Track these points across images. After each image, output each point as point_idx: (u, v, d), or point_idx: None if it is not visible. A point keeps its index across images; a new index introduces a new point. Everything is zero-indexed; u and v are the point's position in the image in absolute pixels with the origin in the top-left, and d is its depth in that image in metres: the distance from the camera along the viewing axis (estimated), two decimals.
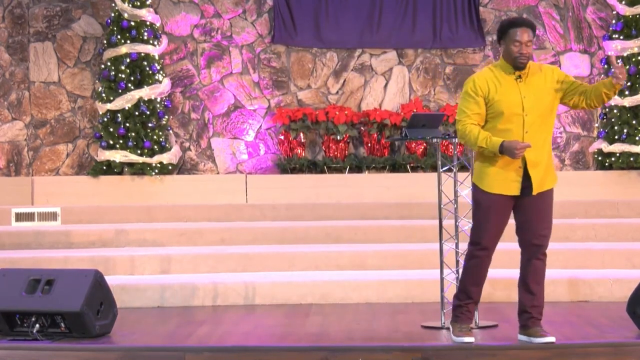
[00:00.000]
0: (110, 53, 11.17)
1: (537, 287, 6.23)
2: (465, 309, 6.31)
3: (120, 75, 11.08)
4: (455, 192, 7.12)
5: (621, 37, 11.19)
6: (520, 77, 6.18)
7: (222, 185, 11.20)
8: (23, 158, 11.61)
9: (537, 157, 6.14)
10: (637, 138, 11.00)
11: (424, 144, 11.41)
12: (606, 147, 11.13)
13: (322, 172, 11.40)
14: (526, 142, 6.05)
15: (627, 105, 11.07)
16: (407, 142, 11.25)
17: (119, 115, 11.06)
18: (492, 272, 8.41)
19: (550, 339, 6.09)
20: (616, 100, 11.09)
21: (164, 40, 11.44)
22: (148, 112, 11.10)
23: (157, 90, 11.17)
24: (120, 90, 11.07)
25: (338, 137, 11.38)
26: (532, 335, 6.15)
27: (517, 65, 6.13)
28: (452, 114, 11.32)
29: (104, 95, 11.11)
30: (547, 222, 6.21)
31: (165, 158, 11.11)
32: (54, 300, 6.54)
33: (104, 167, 11.10)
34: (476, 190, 6.24)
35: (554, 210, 10.34)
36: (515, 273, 8.53)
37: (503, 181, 6.16)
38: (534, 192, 6.15)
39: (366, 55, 11.77)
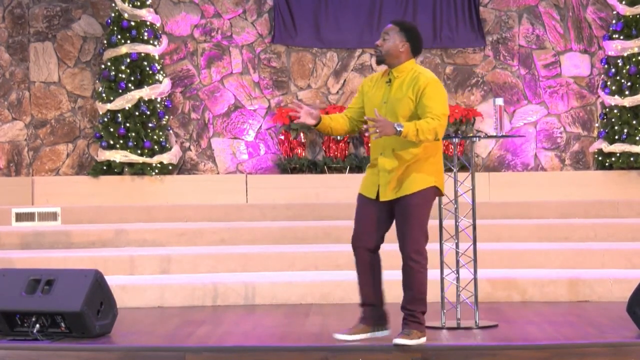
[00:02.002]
0: (110, 53, 11.17)
1: (405, 291, 6.27)
2: (361, 310, 6.33)
3: (120, 75, 11.09)
4: (456, 192, 7.13)
5: (621, 37, 11.19)
6: (390, 81, 6.21)
7: (222, 185, 11.20)
8: (23, 158, 11.61)
9: (389, 164, 6.15)
10: (637, 138, 10.99)
11: None
12: (606, 147, 11.13)
13: (322, 172, 11.40)
14: (381, 147, 6.14)
15: (628, 105, 11.07)
16: None
17: (119, 115, 11.07)
18: (492, 273, 8.47)
19: (399, 341, 6.08)
20: (616, 100, 11.09)
21: (164, 40, 11.45)
22: (148, 112, 11.10)
23: (157, 90, 11.18)
24: (120, 90, 11.07)
25: (338, 137, 11.38)
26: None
27: (376, 58, 6.26)
28: (452, 114, 11.32)
29: (104, 95, 11.12)
30: (403, 228, 6.18)
31: (165, 158, 11.11)
32: (54, 300, 6.54)
33: (104, 167, 11.11)
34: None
35: (552, 210, 10.45)
36: (514, 273, 8.57)
37: (368, 184, 6.28)
38: (380, 199, 6.19)
39: (366, 55, 11.77)
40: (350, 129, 6.38)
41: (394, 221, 6.25)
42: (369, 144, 6.36)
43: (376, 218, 6.22)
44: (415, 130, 5.94)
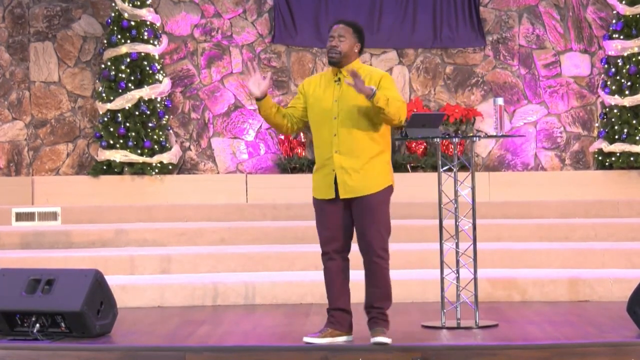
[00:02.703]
0: (110, 53, 11.17)
1: (372, 289, 6.26)
2: (329, 314, 6.33)
3: (120, 75, 11.09)
4: (456, 191, 7.13)
5: (621, 37, 11.19)
6: (339, 79, 6.25)
7: (222, 185, 11.20)
8: (23, 158, 11.61)
9: (346, 161, 6.16)
10: (637, 138, 11.00)
11: (424, 144, 11.41)
12: (606, 147, 11.13)
13: None
14: (336, 146, 6.15)
15: (627, 105, 11.07)
16: (407, 142, 11.25)
17: (119, 115, 11.07)
18: (492, 272, 8.47)
19: (381, 339, 6.09)
20: (616, 100, 11.09)
21: (164, 40, 11.45)
22: (148, 112, 11.10)
23: (157, 90, 11.18)
24: (120, 90, 11.07)
25: None
26: (371, 335, 6.19)
27: (329, 59, 6.24)
28: (452, 114, 11.32)
29: (104, 95, 11.12)
30: (368, 226, 6.18)
31: (165, 158, 11.11)
32: (54, 300, 6.54)
33: (104, 167, 11.11)
34: (312, 197, 6.37)
35: (553, 210, 10.46)
36: (514, 273, 8.57)
37: (322, 186, 6.26)
38: (341, 196, 6.19)
39: (366, 55, 11.77)
40: (289, 126, 6.35)
41: (355, 220, 6.24)
42: (315, 145, 6.31)
43: (341, 219, 6.25)
44: (386, 98, 6.02)
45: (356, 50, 6.29)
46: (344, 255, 6.32)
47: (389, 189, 6.31)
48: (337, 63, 6.25)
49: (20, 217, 10.48)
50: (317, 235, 6.35)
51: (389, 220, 6.30)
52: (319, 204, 6.30)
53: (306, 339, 6.25)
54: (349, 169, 6.17)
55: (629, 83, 11.06)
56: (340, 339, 6.29)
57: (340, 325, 6.30)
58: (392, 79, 6.28)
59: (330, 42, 6.25)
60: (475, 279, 7.11)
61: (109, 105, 11.07)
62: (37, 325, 6.53)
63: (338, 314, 6.31)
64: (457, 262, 7.14)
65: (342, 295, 6.32)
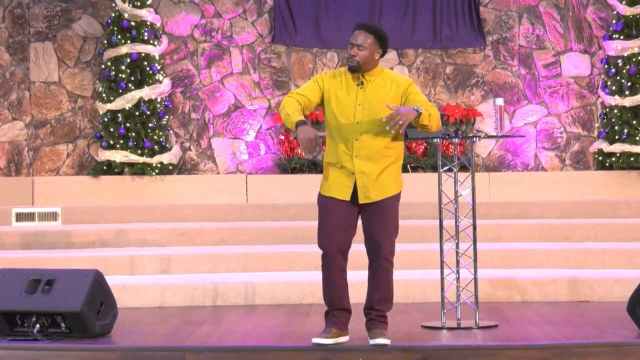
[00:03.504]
0: (110, 53, 11.17)
1: (375, 292, 6.25)
2: (331, 314, 6.29)
3: (120, 75, 11.09)
4: (456, 192, 7.13)
5: (621, 37, 11.19)
6: (362, 83, 6.20)
7: (222, 185, 11.21)
8: (23, 158, 11.61)
9: (367, 166, 6.14)
10: (637, 138, 11.00)
11: (424, 144, 11.41)
12: (606, 147, 11.13)
13: (322, 172, 11.36)
14: (356, 150, 6.11)
15: (628, 105, 11.07)
16: (408, 143, 11.25)
17: (119, 115, 11.07)
18: (492, 272, 8.47)
19: (381, 341, 6.10)
20: (616, 100, 11.09)
21: (164, 40, 11.45)
22: (148, 112, 11.10)
23: (157, 90, 11.18)
24: (120, 91, 11.07)
25: None
26: (370, 337, 6.19)
27: (348, 66, 6.17)
28: (452, 114, 11.32)
29: (104, 95, 11.12)
30: (379, 229, 6.18)
31: (165, 158, 11.11)
32: (54, 300, 6.54)
33: (105, 167, 11.11)
34: (318, 194, 6.32)
35: (552, 210, 10.46)
36: (514, 273, 8.57)
37: (337, 186, 6.22)
38: (360, 202, 6.17)
39: None
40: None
41: (366, 223, 6.23)
42: (330, 145, 6.26)
43: (351, 220, 6.22)
44: (428, 115, 6.04)
45: (377, 57, 6.20)
46: (345, 255, 6.31)
47: (399, 194, 6.32)
48: (355, 70, 6.19)
49: (20, 217, 10.48)
50: (316, 235, 6.32)
51: (398, 223, 6.31)
52: (328, 202, 6.24)
53: (315, 340, 6.20)
54: (369, 174, 6.14)
55: (629, 83, 11.06)
56: (342, 339, 6.29)
57: (342, 325, 6.29)
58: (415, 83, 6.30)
59: (350, 50, 6.16)
60: (475, 279, 7.11)
61: (109, 106, 11.07)
62: (37, 325, 6.53)
63: (341, 313, 6.29)
64: (457, 262, 7.14)
65: (344, 295, 6.31)
